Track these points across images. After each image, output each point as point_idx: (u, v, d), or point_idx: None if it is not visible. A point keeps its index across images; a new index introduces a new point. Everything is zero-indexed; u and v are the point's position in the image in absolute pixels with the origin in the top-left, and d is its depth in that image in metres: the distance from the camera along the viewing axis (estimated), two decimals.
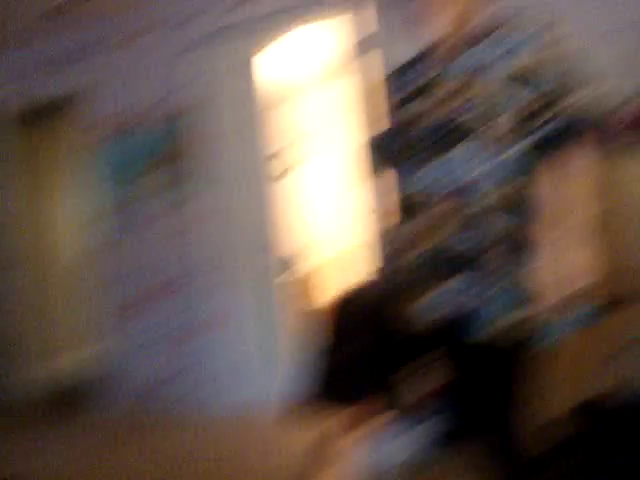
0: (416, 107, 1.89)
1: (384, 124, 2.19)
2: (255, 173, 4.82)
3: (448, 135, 1.78)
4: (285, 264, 5.32)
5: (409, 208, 1.88)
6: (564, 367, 2.90)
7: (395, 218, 2.05)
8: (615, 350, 2.94)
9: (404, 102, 1.95)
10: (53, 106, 6.42)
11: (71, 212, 7.94)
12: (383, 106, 2.07)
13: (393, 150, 2.08)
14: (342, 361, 1.81)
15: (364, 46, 4.20)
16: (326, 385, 1.79)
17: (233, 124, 4.85)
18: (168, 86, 5.07)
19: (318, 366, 1.83)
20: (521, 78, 1.73)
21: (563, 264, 1.63)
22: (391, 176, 2.12)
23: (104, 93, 5.34)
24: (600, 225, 1.76)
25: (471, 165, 1.73)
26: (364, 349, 1.75)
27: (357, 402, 1.62)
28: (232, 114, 4.86)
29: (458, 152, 1.75)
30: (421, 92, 1.89)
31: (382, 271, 2.04)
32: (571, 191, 1.69)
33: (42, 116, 6.73)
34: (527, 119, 1.73)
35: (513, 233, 1.70)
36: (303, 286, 5.85)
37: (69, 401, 5.70)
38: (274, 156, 5.12)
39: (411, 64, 2.03)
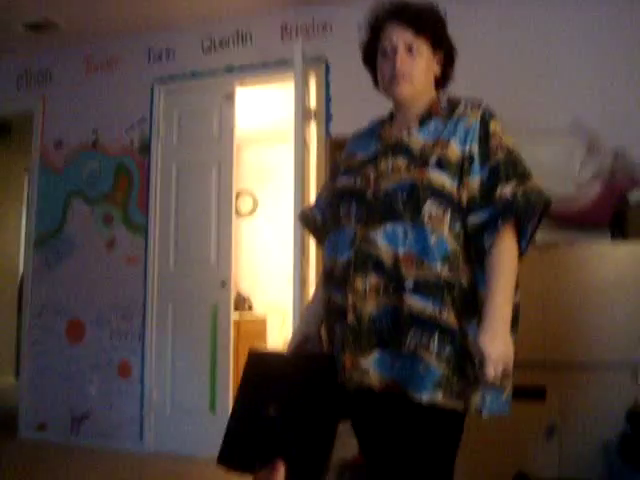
0: (351, 179, 1.90)
1: (318, 193, 2.22)
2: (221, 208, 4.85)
3: (377, 212, 1.77)
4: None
5: (331, 279, 1.87)
6: (503, 439, 2.97)
7: (319, 286, 2.05)
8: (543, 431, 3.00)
9: (343, 172, 1.97)
10: (14, 122, 6.39)
11: (11, 233, 7.84)
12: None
13: (320, 223, 2.11)
14: (240, 423, 1.76)
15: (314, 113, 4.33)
16: (224, 448, 1.73)
17: (203, 160, 4.90)
18: (130, 118, 5.09)
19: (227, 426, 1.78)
20: (465, 161, 1.76)
21: (490, 346, 1.63)
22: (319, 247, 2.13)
23: (63, 118, 5.34)
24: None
25: (396, 244, 1.72)
26: (267, 413, 1.71)
27: (252, 471, 1.54)
28: (202, 150, 4.90)
29: (383, 230, 1.75)
30: (362, 165, 1.90)
31: (300, 337, 2.01)
32: (502, 276, 1.70)
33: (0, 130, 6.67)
34: (464, 204, 1.75)
35: (433, 315, 1.68)
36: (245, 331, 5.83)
37: None
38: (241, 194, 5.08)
39: (358, 136, 2.07)
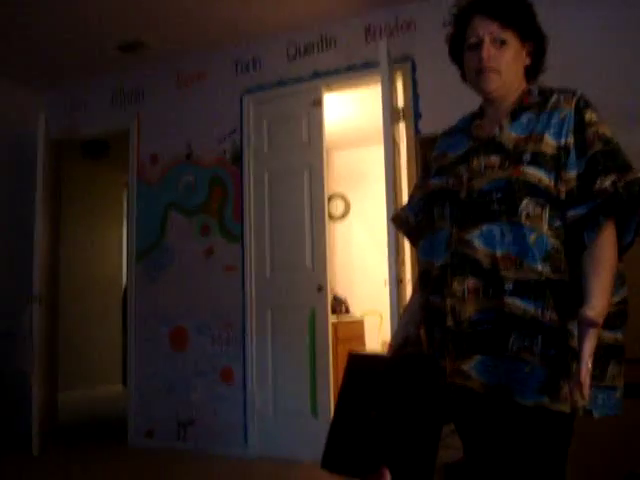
0: (444, 180, 1.86)
1: (411, 194, 2.19)
2: (314, 213, 4.88)
3: (472, 212, 1.73)
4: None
5: (428, 281, 1.84)
6: (613, 438, 2.86)
7: (416, 288, 2.02)
8: None
9: (435, 172, 1.93)
10: (111, 140, 6.61)
11: (113, 247, 8.13)
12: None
13: (413, 225, 2.08)
14: (342, 427, 1.75)
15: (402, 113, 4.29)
16: (328, 452, 1.72)
17: (293, 166, 4.95)
18: (222, 130, 5.18)
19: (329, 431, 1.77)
20: (562, 154, 1.69)
21: (584, 342, 1.55)
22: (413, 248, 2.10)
23: (157, 133, 5.48)
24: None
25: (494, 245, 1.68)
26: (370, 418, 1.69)
27: (356, 477, 1.52)
28: (292, 157, 4.95)
29: (480, 231, 1.70)
30: (454, 164, 1.85)
31: (400, 340, 1.99)
32: (600, 272, 1.62)
33: (98, 149, 6.92)
34: (563, 199, 1.68)
35: (535, 317, 1.62)
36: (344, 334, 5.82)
37: (97, 432, 5.79)
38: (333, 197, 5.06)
39: (448, 134, 2.03)
